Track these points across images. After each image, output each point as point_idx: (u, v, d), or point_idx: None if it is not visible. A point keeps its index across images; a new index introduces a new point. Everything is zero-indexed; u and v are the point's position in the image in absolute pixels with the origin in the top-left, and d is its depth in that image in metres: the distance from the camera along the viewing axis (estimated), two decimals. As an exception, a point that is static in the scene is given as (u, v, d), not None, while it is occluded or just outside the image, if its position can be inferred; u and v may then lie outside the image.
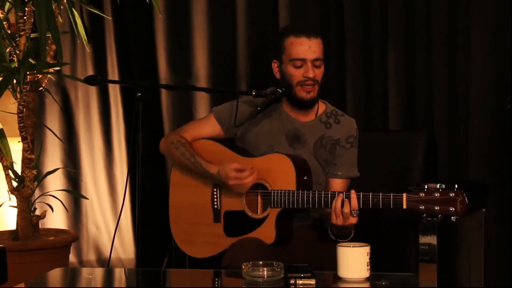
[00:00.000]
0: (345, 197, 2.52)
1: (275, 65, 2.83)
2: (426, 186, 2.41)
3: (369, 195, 2.52)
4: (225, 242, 2.76)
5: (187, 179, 2.90)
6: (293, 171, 2.69)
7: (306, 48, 2.74)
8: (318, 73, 2.76)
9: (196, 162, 2.82)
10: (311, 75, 2.74)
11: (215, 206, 2.84)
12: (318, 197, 2.62)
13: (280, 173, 2.71)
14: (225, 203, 2.82)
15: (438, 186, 2.39)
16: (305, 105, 2.81)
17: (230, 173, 2.71)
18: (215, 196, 2.84)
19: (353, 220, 2.52)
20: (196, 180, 2.88)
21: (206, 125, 2.94)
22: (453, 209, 2.37)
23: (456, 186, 2.39)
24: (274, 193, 2.69)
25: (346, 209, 2.50)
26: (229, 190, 2.77)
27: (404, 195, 2.44)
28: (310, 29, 2.78)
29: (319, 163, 2.82)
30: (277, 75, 2.83)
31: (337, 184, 2.83)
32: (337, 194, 2.54)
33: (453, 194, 2.37)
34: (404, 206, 2.44)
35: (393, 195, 2.46)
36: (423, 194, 2.40)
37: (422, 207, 2.40)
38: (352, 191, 2.51)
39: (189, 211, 2.90)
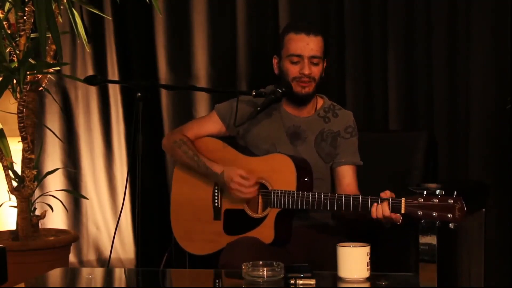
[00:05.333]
0: (375, 202, 2.50)
1: (275, 61, 2.86)
2: (425, 192, 2.40)
3: (368, 198, 2.52)
4: (224, 240, 2.77)
5: (189, 175, 2.91)
6: (294, 171, 2.70)
7: (304, 44, 2.75)
8: (315, 70, 2.78)
9: (200, 160, 2.83)
10: (306, 72, 2.75)
11: (216, 204, 2.84)
12: (318, 198, 2.62)
13: (281, 173, 2.72)
14: (226, 201, 2.82)
15: (437, 192, 2.38)
16: (301, 100, 2.83)
17: (235, 177, 2.71)
18: (216, 194, 2.84)
19: (397, 217, 2.47)
20: (198, 177, 2.88)
21: (208, 123, 2.95)
22: (451, 215, 2.36)
23: (456, 192, 2.38)
24: (274, 193, 2.70)
25: (386, 212, 2.46)
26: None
27: (403, 200, 2.44)
28: (310, 27, 2.79)
29: (321, 158, 2.83)
30: (276, 71, 2.86)
31: (345, 171, 2.84)
32: (370, 200, 2.51)
33: (452, 201, 2.36)
34: (402, 211, 2.44)
35: (392, 200, 2.46)
36: (422, 200, 2.39)
37: (420, 212, 2.40)
38: (385, 194, 2.49)
39: (190, 208, 2.90)
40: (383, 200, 2.48)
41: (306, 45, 2.75)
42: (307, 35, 2.76)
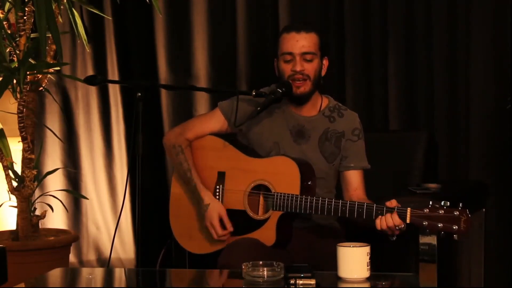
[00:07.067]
0: (380, 214, 2.49)
1: (275, 63, 2.86)
2: (431, 203, 2.40)
3: (373, 206, 2.52)
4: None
5: None
6: (298, 175, 2.69)
7: (293, 42, 2.76)
8: (308, 67, 2.78)
9: (191, 179, 2.84)
10: (297, 68, 2.76)
11: (216, 203, 2.84)
12: (322, 204, 2.61)
13: (285, 176, 2.71)
14: (227, 201, 2.82)
15: (442, 203, 2.38)
16: (296, 100, 2.83)
17: (214, 220, 2.76)
18: (217, 193, 2.84)
19: (396, 232, 2.49)
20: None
21: (211, 120, 2.94)
22: (456, 227, 2.36)
23: (461, 204, 2.38)
24: (277, 196, 2.69)
25: (390, 223, 2.47)
26: (232, 188, 2.78)
27: (409, 209, 2.44)
28: (302, 25, 2.82)
29: (324, 158, 2.83)
30: (276, 73, 2.86)
31: (352, 176, 2.84)
32: (375, 208, 2.51)
33: (458, 213, 2.36)
34: (408, 221, 2.44)
35: (397, 209, 2.46)
36: (428, 210, 2.39)
37: (425, 223, 2.40)
38: (391, 203, 2.50)
39: (190, 206, 2.90)
40: (388, 208, 2.48)
41: (296, 42, 2.76)
42: (297, 33, 2.77)
